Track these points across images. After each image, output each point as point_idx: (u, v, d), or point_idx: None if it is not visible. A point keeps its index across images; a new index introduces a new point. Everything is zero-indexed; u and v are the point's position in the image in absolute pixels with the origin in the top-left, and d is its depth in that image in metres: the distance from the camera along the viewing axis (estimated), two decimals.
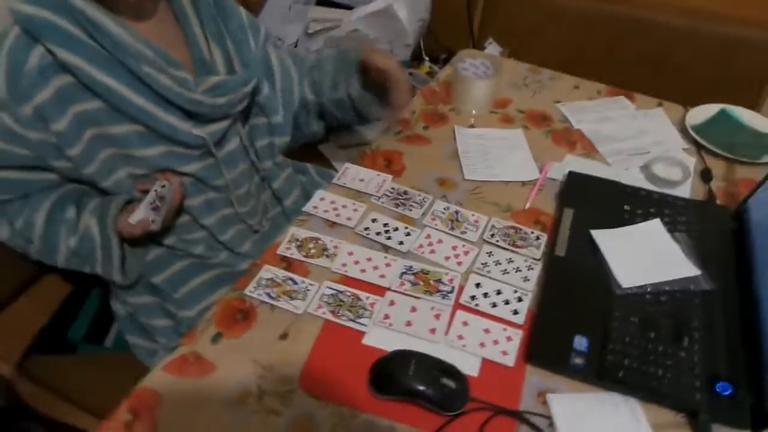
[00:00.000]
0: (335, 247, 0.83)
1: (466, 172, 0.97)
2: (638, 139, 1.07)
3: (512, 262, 0.82)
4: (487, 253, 0.83)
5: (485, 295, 0.78)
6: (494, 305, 0.76)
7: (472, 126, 1.09)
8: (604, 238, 0.83)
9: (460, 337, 0.72)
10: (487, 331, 0.73)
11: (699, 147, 1.05)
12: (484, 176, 0.97)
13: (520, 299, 0.77)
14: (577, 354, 0.70)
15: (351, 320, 0.74)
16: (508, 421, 0.65)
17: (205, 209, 0.88)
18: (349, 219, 0.88)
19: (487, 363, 0.70)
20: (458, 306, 0.76)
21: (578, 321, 0.74)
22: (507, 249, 0.84)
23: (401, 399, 0.66)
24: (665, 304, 0.75)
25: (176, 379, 0.68)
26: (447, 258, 0.83)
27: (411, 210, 0.90)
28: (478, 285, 0.79)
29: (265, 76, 0.94)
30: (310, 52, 1.07)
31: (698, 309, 0.74)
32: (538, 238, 0.86)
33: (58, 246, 0.82)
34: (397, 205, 0.90)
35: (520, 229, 0.87)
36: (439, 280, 0.79)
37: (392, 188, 0.94)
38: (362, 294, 0.77)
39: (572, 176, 0.95)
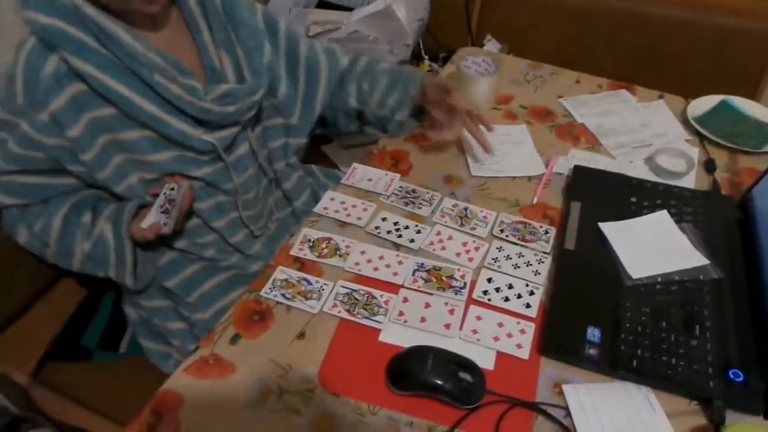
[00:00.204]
0: (347, 246, 0.84)
1: (472, 169, 0.98)
2: (641, 131, 1.08)
3: (522, 256, 0.83)
4: (497, 248, 0.85)
5: (497, 289, 0.79)
6: (506, 299, 0.77)
7: None
8: (612, 230, 0.84)
9: (475, 332, 0.73)
10: (500, 324, 0.74)
11: (701, 138, 1.06)
12: (491, 172, 0.98)
13: (531, 293, 0.78)
14: (590, 345, 0.71)
15: (366, 318, 0.75)
16: (525, 413, 0.66)
17: (215, 212, 0.89)
18: (359, 218, 0.89)
19: (501, 356, 0.71)
20: (471, 301, 0.77)
21: (590, 312, 0.75)
22: (517, 244, 0.85)
23: (419, 394, 0.67)
24: (675, 293, 0.76)
25: (197, 380, 0.69)
26: (458, 254, 0.84)
27: (420, 208, 0.91)
28: (489, 280, 0.80)
29: (287, 75, 0.94)
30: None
31: (708, 298, 0.76)
32: (547, 232, 0.87)
33: (74, 250, 0.83)
34: (407, 204, 0.91)
35: (529, 224, 0.88)
36: (451, 276, 0.80)
37: (401, 187, 0.95)
38: (376, 292, 0.78)
39: (578, 170, 0.96)
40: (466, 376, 0.66)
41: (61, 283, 1.09)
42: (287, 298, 0.77)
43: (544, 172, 0.98)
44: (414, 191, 0.94)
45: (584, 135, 1.08)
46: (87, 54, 0.72)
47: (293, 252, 0.84)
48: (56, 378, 0.99)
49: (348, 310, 0.76)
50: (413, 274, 0.80)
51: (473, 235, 0.86)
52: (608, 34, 1.58)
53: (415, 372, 0.66)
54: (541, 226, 0.88)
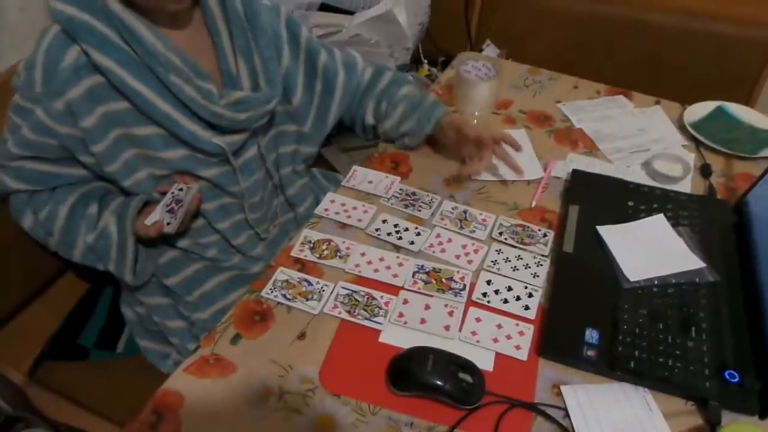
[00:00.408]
0: (347, 248, 0.85)
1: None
2: (638, 136, 1.09)
3: (521, 259, 0.84)
4: (496, 250, 0.85)
5: (496, 291, 0.79)
6: (505, 301, 0.78)
7: None
8: (610, 233, 0.85)
9: (474, 333, 0.74)
10: (499, 326, 0.75)
11: (698, 143, 1.07)
12: (490, 176, 0.99)
13: (530, 295, 0.79)
14: (588, 346, 0.72)
15: (366, 319, 0.75)
16: (524, 414, 0.67)
17: (219, 214, 0.89)
18: (360, 220, 0.89)
19: (500, 357, 0.72)
20: (470, 303, 0.78)
21: (588, 314, 0.75)
22: (516, 246, 0.86)
23: (419, 395, 0.67)
24: (672, 296, 0.77)
25: (198, 380, 0.69)
26: (457, 257, 0.84)
27: (420, 210, 0.91)
28: (489, 282, 0.81)
29: (304, 83, 0.94)
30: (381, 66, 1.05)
31: (704, 300, 0.77)
32: (545, 235, 0.88)
33: (77, 240, 0.84)
34: (407, 206, 0.92)
35: (528, 227, 0.89)
36: (450, 278, 0.81)
37: (401, 189, 0.95)
38: (376, 293, 0.78)
39: (576, 174, 0.97)
40: (466, 377, 0.67)
41: (58, 282, 1.10)
42: (288, 299, 0.78)
43: (543, 176, 0.99)
44: (414, 194, 0.95)
45: (582, 140, 1.09)
46: (108, 49, 0.73)
47: (294, 253, 0.84)
48: (52, 377, 0.99)
49: (348, 311, 0.76)
50: (413, 276, 0.81)
51: (473, 238, 0.87)
52: (607, 41, 1.60)
53: (416, 372, 0.67)
54: (539, 229, 0.89)
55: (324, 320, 0.76)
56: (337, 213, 0.91)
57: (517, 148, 0.94)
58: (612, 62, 1.59)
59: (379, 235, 0.87)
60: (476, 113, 1.13)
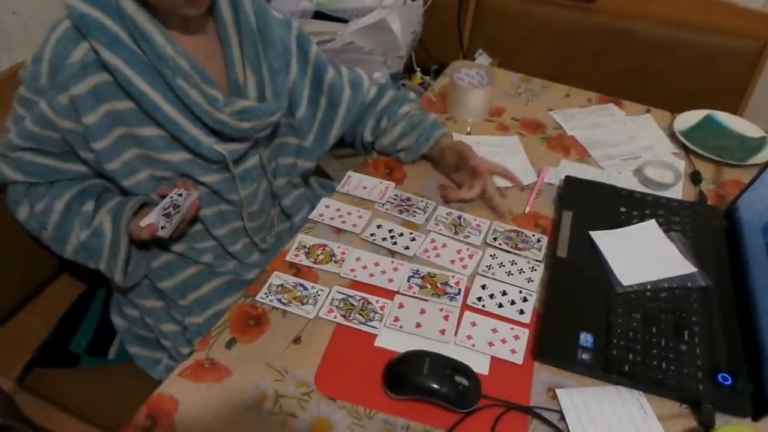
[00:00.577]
0: (342, 252, 0.85)
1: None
2: (629, 144, 1.11)
3: (515, 264, 0.85)
4: (490, 255, 0.86)
5: (491, 296, 0.80)
6: (500, 305, 0.78)
7: (468, 134, 1.11)
8: (603, 238, 0.86)
9: (469, 337, 0.74)
10: (494, 330, 0.75)
11: (687, 151, 1.09)
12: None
13: (525, 299, 0.79)
14: (583, 350, 0.72)
15: (362, 323, 0.75)
16: (520, 417, 0.67)
17: (217, 220, 0.89)
18: (354, 225, 0.90)
19: (496, 361, 0.72)
20: (466, 307, 0.78)
21: (583, 318, 0.76)
22: (510, 252, 0.86)
23: (415, 398, 0.67)
24: (665, 300, 0.78)
25: (193, 384, 0.68)
26: (452, 261, 0.85)
27: (415, 216, 0.92)
28: (483, 287, 0.81)
29: (309, 98, 0.95)
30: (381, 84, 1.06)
31: (696, 304, 0.77)
32: (539, 240, 0.89)
33: (69, 236, 0.83)
34: (401, 211, 0.93)
35: (522, 232, 0.90)
36: (446, 283, 0.81)
37: (395, 195, 0.96)
38: (372, 298, 0.79)
39: (569, 180, 0.98)
40: (462, 381, 0.67)
41: (48, 288, 1.08)
42: (283, 303, 0.78)
43: (536, 182, 1.00)
44: (408, 199, 0.95)
45: (574, 147, 1.10)
46: (118, 48, 0.73)
47: (289, 258, 0.84)
48: (43, 384, 0.98)
49: (344, 316, 0.76)
50: (408, 281, 0.81)
51: (467, 243, 0.88)
52: (596, 51, 1.62)
53: (412, 376, 0.67)
54: (533, 235, 0.90)
55: (319, 324, 0.76)
56: (332, 218, 0.91)
57: (518, 182, 0.94)
58: (601, 72, 1.62)
59: (374, 240, 0.87)
60: (470, 120, 1.14)
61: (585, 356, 0.71)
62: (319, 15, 1.54)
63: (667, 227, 0.89)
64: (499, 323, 0.76)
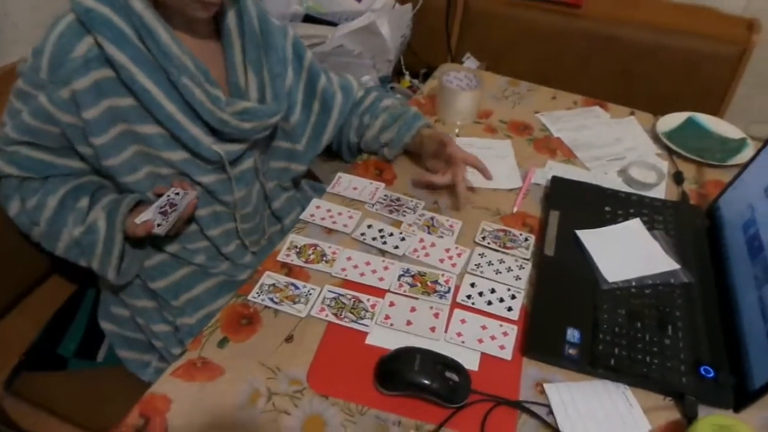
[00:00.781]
0: (333, 252, 0.86)
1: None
2: (614, 145, 1.13)
3: (503, 262, 0.86)
4: (479, 254, 0.87)
5: (480, 294, 0.81)
6: (489, 303, 0.80)
7: (457, 135, 1.13)
8: (588, 237, 0.88)
9: (459, 334, 0.76)
10: (484, 327, 0.77)
11: (670, 152, 1.11)
12: (473, 183, 1.01)
13: (513, 297, 0.81)
14: (570, 345, 0.74)
15: (353, 321, 0.76)
16: (509, 411, 0.68)
17: (211, 221, 0.90)
18: (345, 225, 0.91)
19: (485, 357, 0.73)
20: (455, 305, 0.79)
21: (570, 315, 0.78)
22: (498, 250, 0.88)
23: (406, 394, 0.68)
24: (649, 296, 0.80)
25: (185, 383, 0.69)
26: (441, 260, 0.86)
27: (404, 216, 0.93)
28: (473, 285, 0.82)
29: (303, 103, 0.96)
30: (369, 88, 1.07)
31: (680, 300, 0.79)
32: (526, 239, 0.90)
33: (62, 233, 0.82)
34: (391, 212, 0.94)
35: (510, 232, 0.91)
36: (435, 281, 0.82)
37: (385, 195, 0.97)
38: (363, 296, 0.80)
39: (556, 181, 1.00)
40: (453, 376, 0.68)
41: (36, 291, 1.08)
42: (275, 302, 0.78)
43: (523, 183, 1.01)
44: (398, 199, 0.96)
45: (560, 148, 1.12)
46: (124, 44, 0.73)
47: (280, 257, 0.85)
48: (30, 388, 0.97)
49: (335, 314, 0.77)
50: (399, 279, 0.82)
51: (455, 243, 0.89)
52: (581, 56, 1.65)
53: (403, 372, 0.68)
54: (521, 234, 0.91)
55: (311, 323, 0.76)
56: (322, 219, 0.92)
57: (487, 177, 0.95)
58: (587, 75, 1.65)
59: (364, 239, 0.88)
60: (458, 122, 1.16)
61: (572, 351, 0.73)
62: (309, 18, 1.56)
63: (650, 226, 0.91)
64: (488, 320, 0.78)
